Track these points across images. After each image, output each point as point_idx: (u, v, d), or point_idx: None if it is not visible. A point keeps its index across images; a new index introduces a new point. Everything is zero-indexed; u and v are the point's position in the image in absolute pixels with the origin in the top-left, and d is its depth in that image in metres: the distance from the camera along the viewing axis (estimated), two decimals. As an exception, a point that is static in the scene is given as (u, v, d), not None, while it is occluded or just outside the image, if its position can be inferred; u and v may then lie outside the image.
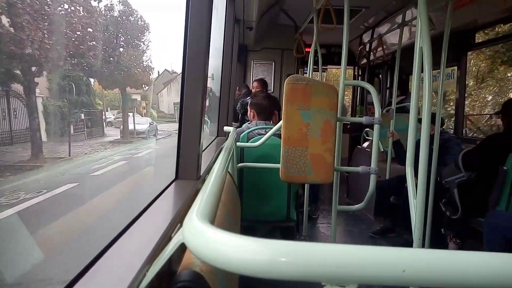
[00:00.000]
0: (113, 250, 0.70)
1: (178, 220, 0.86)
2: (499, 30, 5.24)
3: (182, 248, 0.57)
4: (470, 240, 3.37)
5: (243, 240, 0.41)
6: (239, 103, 4.63)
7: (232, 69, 3.83)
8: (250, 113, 3.15)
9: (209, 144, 2.67)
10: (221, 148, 1.65)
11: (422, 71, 1.83)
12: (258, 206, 2.83)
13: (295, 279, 0.41)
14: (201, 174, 1.33)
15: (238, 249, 0.41)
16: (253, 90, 4.63)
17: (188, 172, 1.26)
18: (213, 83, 3.61)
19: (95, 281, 0.59)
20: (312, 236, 3.66)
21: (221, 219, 0.90)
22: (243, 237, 0.42)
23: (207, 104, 4.01)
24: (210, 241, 0.43)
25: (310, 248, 0.41)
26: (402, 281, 0.41)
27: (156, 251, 0.68)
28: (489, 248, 2.47)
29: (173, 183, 1.22)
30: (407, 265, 0.41)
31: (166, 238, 0.75)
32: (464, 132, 4.33)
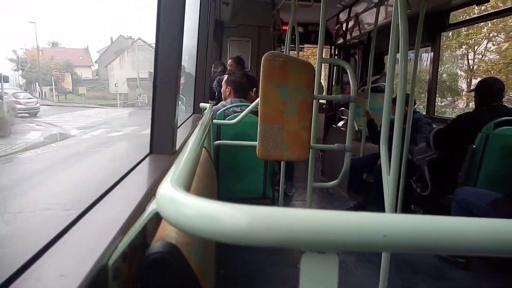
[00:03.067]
0: (83, 222, 0.67)
1: (152, 192, 0.83)
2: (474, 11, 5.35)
3: (157, 219, 0.55)
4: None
5: (219, 206, 0.40)
6: (215, 81, 4.56)
7: (208, 46, 3.74)
8: (226, 89, 3.10)
9: (185, 121, 2.62)
10: (197, 124, 1.62)
11: (398, 51, 1.84)
12: (234, 184, 2.83)
13: (274, 246, 0.40)
14: (177, 149, 1.30)
15: (214, 215, 0.39)
16: (229, 68, 4.56)
17: (163, 146, 1.22)
18: (189, 60, 3.53)
19: (63, 252, 0.57)
20: None
21: (197, 191, 0.89)
22: (219, 203, 0.40)
23: (182, 81, 3.92)
24: (185, 208, 0.41)
25: (289, 214, 0.40)
26: (383, 246, 0.40)
27: (129, 222, 0.66)
28: None
29: (147, 157, 1.19)
30: (388, 230, 0.40)
31: (140, 210, 0.72)
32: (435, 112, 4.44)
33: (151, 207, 0.59)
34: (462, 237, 0.41)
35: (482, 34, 10.84)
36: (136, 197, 0.77)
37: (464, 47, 11.28)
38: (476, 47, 11.24)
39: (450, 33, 10.19)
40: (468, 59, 11.38)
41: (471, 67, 11.32)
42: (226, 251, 0.44)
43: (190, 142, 0.95)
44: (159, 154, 1.21)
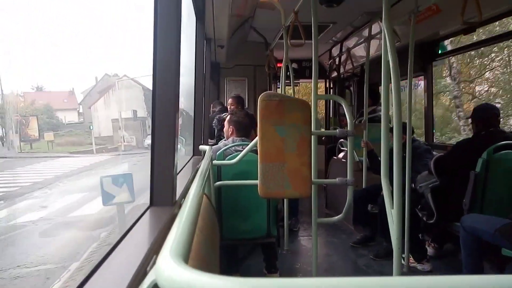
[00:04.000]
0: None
1: (153, 252, 0.83)
2: (462, 40, 5.49)
3: (157, 287, 0.55)
4: (448, 244, 3.44)
5: (219, 281, 0.40)
6: (215, 119, 4.62)
7: (206, 87, 3.82)
8: (228, 129, 3.13)
9: (185, 165, 2.63)
10: (197, 169, 1.62)
11: (390, 82, 1.88)
12: (238, 224, 2.80)
13: None
14: (177, 198, 1.30)
15: None
16: (229, 107, 4.63)
17: (163, 198, 1.22)
18: (186, 102, 3.59)
19: None
20: (294, 250, 3.65)
21: (197, 249, 0.88)
22: (219, 277, 0.41)
23: (180, 122, 3.98)
24: (184, 284, 0.41)
25: (289, 285, 0.40)
26: None
27: None
28: (466, 252, 2.52)
29: (148, 210, 1.18)
30: None
31: (141, 274, 0.72)
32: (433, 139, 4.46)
33: (151, 277, 0.59)
34: None
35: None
36: (137, 259, 0.76)
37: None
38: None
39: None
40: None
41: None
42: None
43: (190, 194, 0.96)
44: (160, 206, 1.21)
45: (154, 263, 0.78)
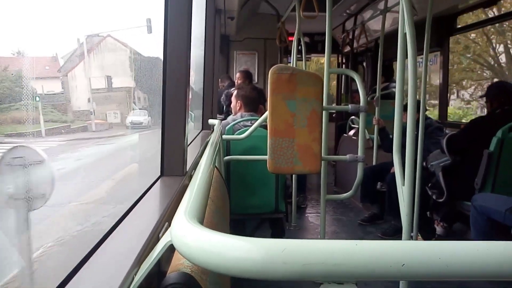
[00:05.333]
0: (99, 254, 0.68)
1: (165, 219, 0.83)
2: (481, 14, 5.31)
3: (171, 249, 0.54)
4: (457, 223, 3.43)
5: (234, 240, 0.39)
6: (223, 95, 4.58)
7: (215, 60, 3.77)
8: (236, 104, 3.10)
9: (194, 138, 2.62)
10: (207, 142, 1.61)
11: (406, 57, 1.83)
12: (246, 199, 2.81)
13: (291, 279, 0.39)
14: (187, 169, 1.29)
15: (229, 250, 0.38)
16: (237, 82, 4.58)
17: (173, 168, 1.22)
18: (196, 75, 3.55)
19: (81, 287, 0.57)
20: (301, 227, 3.67)
21: (210, 216, 0.88)
22: (234, 237, 0.40)
23: (190, 96, 3.94)
24: (200, 243, 0.40)
25: (305, 246, 0.39)
26: (402, 275, 0.40)
27: (144, 253, 0.65)
28: (476, 231, 2.51)
29: (159, 180, 1.18)
30: (405, 258, 0.40)
31: (153, 239, 0.72)
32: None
33: (165, 239, 0.59)
34: (482, 262, 0.40)
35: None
36: (149, 225, 0.76)
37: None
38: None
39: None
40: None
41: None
42: (242, 279, 0.44)
43: (201, 164, 0.95)
44: (170, 176, 1.21)
45: (166, 229, 0.78)
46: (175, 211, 0.53)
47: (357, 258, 0.39)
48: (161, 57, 1.28)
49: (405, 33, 1.79)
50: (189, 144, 2.23)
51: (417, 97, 2.48)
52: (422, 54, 3.03)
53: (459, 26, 4.14)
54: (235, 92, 3.17)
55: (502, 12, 5.10)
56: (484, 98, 3.02)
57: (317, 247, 0.40)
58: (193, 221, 0.45)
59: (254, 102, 3.06)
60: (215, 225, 0.92)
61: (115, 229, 0.79)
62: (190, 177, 1.20)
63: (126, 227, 0.80)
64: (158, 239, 0.72)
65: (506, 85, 3.12)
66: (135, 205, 0.93)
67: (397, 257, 0.40)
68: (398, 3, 2.52)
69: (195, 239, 0.41)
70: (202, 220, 0.52)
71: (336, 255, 0.39)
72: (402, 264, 0.39)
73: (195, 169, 1.13)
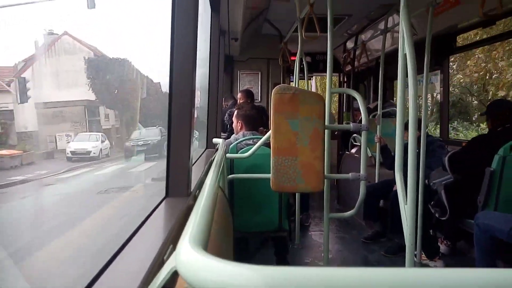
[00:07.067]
0: (103, 280, 0.69)
1: (169, 241, 0.85)
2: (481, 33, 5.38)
3: (176, 274, 0.56)
4: (461, 241, 3.41)
5: (238, 268, 0.41)
6: (226, 114, 4.63)
7: (220, 80, 3.83)
8: (237, 124, 3.14)
9: (199, 157, 2.65)
10: (211, 162, 1.64)
11: (406, 76, 1.86)
12: (250, 217, 2.82)
13: None
14: (192, 190, 1.32)
15: (233, 278, 0.40)
16: (239, 101, 4.63)
17: (178, 189, 1.24)
18: (201, 95, 3.60)
19: None
20: (305, 245, 3.66)
21: (214, 239, 0.89)
22: (238, 264, 0.42)
23: (196, 116, 4.00)
24: (204, 270, 0.42)
25: (308, 274, 0.41)
26: None
27: (149, 277, 0.67)
28: (479, 250, 2.50)
29: (164, 201, 1.20)
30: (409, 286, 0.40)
31: (158, 262, 0.73)
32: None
33: (170, 263, 0.61)
34: None
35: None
36: (154, 249, 0.78)
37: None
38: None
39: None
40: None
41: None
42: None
43: (206, 185, 0.97)
44: (175, 197, 1.23)
45: (171, 252, 0.80)
46: (180, 234, 0.55)
47: (356, 285, 0.39)
48: (130, 57, 1.26)
49: (405, 54, 1.83)
50: (194, 164, 2.25)
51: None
52: (423, 73, 3.07)
53: (459, 45, 4.20)
54: (235, 112, 3.21)
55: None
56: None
57: (319, 276, 0.40)
58: (197, 247, 0.46)
59: (255, 121, 3.10)
60: (219, 247, 0.93)
61: (120, 252, 0.81)
62: (195, 197, 1.22)
63: (131, 251, 0.81)
64: (163, 262, 0.74)
65: (506, 103, 3.16)
66: (140, 227, 0.95)
67: (399, 285, 0.39)
68: (398, 24, 2.58)
69: (200, 266, 0.42)
70: (206, 245, 0.54)
71: (336, 284, 0.39)
72: None
73: (199, 189, 1.15)
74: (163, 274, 0.62)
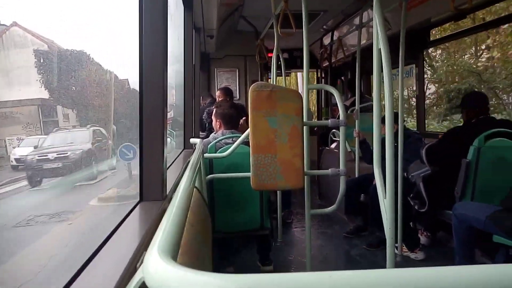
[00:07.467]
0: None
1: (143, 248, 0.81)
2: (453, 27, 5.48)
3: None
4: (440, 232, 3.47)
5: (207, 278, 0.38)
6: (205, 113, 4.57)
7: (195, 78, 3.77)
8: (216, 123, 3.10)
9: (176, 158, 2.60)
10: (188, 162, 1.60)
11: (382, 71, 1.86)
12: (231, 217, 2.79)
13: None
14: (167, 193, 1.27)
15: None
16: (218, 99, 4.59)
17: (152, 192, 1.20)
18: (176, 94, 3.54)
19: None
20: (287, 242, 3.65)
21: (188, 244, 0.86)
22: (207, 274, 0.39)
23: (171, 115, 3.92)
24: (172, 281, 0.39)
25: (280, 281, 0.39)
26: None
27: (120, 287, 0.63)
28: (458, 240, 2.54)
29: (138, 206, 1.16)
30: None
31: (130, 271, 0.70)
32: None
33: (140, 274, 0.57)
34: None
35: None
36: (127, 255, 0.74)
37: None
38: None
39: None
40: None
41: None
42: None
43: (180, 187, 0.93)
44: (150, 201, 1.19)
45: (143, 259, 0.76)
46: (151, 242, 0.52)
47: None
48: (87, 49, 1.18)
49: (379, 49, 1.83)
50: (170, 166, 2.20)
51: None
52: (398, 67, 3.10)
53: (433, 39, 4.27)
54: (214, 111, 3.17)
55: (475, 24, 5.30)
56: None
57: (294, 281, 0.39)
58: (166, 257, 0.44)
59: (234, 120, 3.07)
60: (194, 253, 0.90)
61: (93, 258, 0.77)
62: (170, 200, 1.18)
63: (102, 258, 0.77)
64: (135, 270, 0.70)
65: (480, 95, 3.22)
66: (114, 233, 0.91)
67: (380, 286, 0.40)
68: (372, 19, 2.59)
69: (168, 277, 0.40)
70: (176, 254, 0.51)
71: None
72: None
73: (174, 192, 1.11)
74: (133, 283, 0.58)
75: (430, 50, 9.56)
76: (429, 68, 11.04)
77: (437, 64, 11.39)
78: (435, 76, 10.99)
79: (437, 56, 11.46)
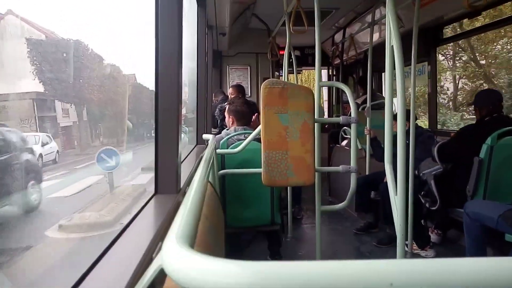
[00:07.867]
0: (92, 276, 0.68)
1: (158, 239, 0.84)
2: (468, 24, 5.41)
3: (164, 271, 0.55)
4: (451, 230, 3.45)
5: (225, 264, 0.40)
6: (217, 109, 4.61)
7: (208, 76, 3.81)
8: (228, 119, 3.13)
9: (189, 153, 2.64)
10: (201, 158, 1.63)
11: (394, 68, 1.87)
12: (242, 212, 2.82)
13: None
14: (181, 186, 1.31)
15: (220, 275, 0.39)
16: (230, 96, 4.62)
17: (167, 185, 1.23)
18: (189, 91, 3.58)
19: None
20: (297, 238, 3.67)
21: (203, 235, 0.89)
22: (225, 261, 0.41)
23: (184, 112, 3.97)
24: (190, 267, 0.41)
25: (294, 268, 0.40)
26: None
27: (137, 275, 0.66)
28: (469, 238, 2.53)
29: (153, 198, 1.19)
30: (394, 277, 0.40)
31: (147, 260, 0.73)
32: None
33: (157, 261, 0.60)
34: (475, 279, 0.40)
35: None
36: (143, 246, 0.77)
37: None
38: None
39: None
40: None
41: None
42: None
43: (194, 181, 0.96)
44: (164, 194, 1.22)
45: (159, 249, 0.79)
46: (168, 230, 0.54)
47: (344, 279, 0.39)
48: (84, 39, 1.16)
49: (392, 46, 1.83)
50: (184, 160, 2.23)
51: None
52: (410, 64, 3.09)
53: (446, 36, 4.23)
54: (227, 108, 3.20)
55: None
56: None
57: (306, 269, 0.40)
58: (184, 244, 0.46)
59: (246, 116, 3.10)
60: (209, 244, 0.93)
61: (109, 248, 0.80)
62: (184, 193, 1.22)
63: (119, 249, 0.81)
64: (151, 260, 0.73)
65: (494, 93, 3.19)
66: (129, 225, 0.94)
67: (385, 276, 0.40)
68: (384, 16, 2.58)
69: (185, 264, 0.41)
70: (193, 242, 0.53)
71: (322, 276, 0.39)
72: (390, 283, 0.39)
73: (188, 186, 1.15)
74: (151, 271, 0.61)
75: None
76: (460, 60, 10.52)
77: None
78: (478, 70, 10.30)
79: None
